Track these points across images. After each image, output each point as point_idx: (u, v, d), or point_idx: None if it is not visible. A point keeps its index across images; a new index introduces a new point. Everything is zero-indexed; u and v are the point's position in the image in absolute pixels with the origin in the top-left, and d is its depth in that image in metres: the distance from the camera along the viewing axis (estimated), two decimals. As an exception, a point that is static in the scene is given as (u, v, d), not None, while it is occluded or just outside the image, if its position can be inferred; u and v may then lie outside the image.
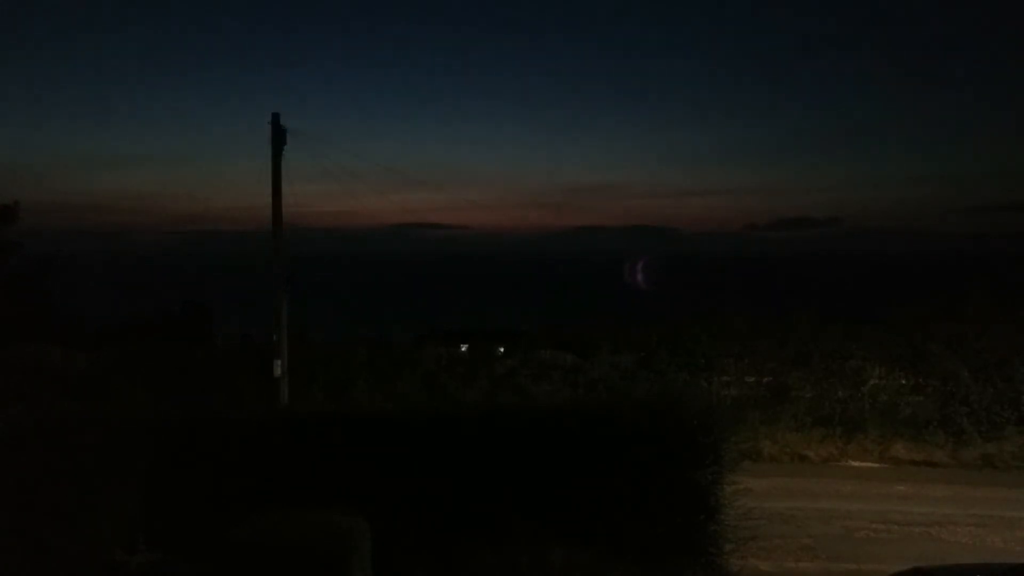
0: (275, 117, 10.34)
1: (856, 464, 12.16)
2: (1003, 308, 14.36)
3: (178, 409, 7.94)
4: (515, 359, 14.50)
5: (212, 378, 12.35)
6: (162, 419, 7.43)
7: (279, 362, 10.28)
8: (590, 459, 7.16)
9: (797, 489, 10.53)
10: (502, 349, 14.90)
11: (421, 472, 7.14)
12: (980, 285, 15.11)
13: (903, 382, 13.67)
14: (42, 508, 6.71)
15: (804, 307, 15.32)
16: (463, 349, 15.22)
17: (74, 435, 7.13)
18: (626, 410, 7.32)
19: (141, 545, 6.65)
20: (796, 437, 12.55)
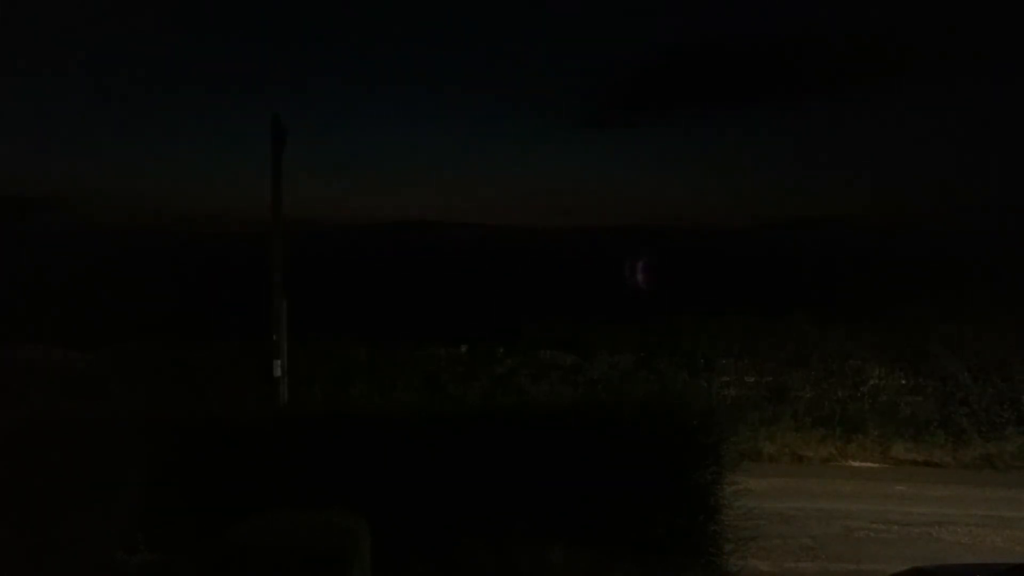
0: (275, 117, 10.31)
1: (856, 464, 12.16)
2: (1003, 308, 14.39)
3: (178, 409, 7.95)
4: (515, 359, 14.48)
5: (212, 378, 12.34)
6: (162, 419, 7.44)
7: (279, 362, 10.26)
8: (590, 459, 7.17)
9: (797, 489, 10.52)
10: (502, 349, 14.87)
11: (421, 472, 7.14)
12: (980, 285, 15.15)
13: (903, 382, 13.67)
14: (42, 508, 6.71)
15: (804, 307, 15.32)
16: (463, 349, 15.19)
17: (74, 435, 7.13)
18: (626, 410, 7.33)
19: (141, 545, 6.66)
20: (796, 437, 12.55)
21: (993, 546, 8.66)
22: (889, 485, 10.92)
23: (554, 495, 7.07)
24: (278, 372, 10.23)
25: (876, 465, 12.11)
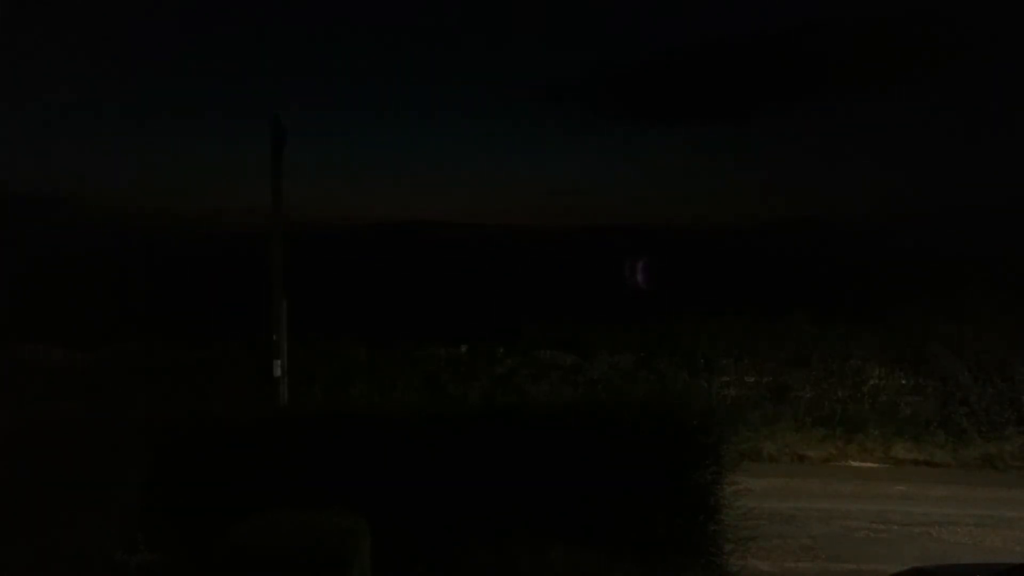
0: (275, 117, 10.30)
1: (856, 464, 12.17)
2: (1002, 308, 14.39)
3: (178, 409, 7.95)
4: (515, 359, 14.49)
5: (212, 378, 12.35)
6: (162, 419, 7.44)
7: (279, 362, 10.26)
8: (590, 459, 7.17)
9: (797, 489, 10.53)
10: (502, 349, 14.89)
11: (421, 472, 7.14)
12: (980, 285, 15.15)
13: (903, 382, 13.69)
14: (42, 508, 6.72)
15: (804, 307, 15.32)
16: (463, 349, 15.21)
17: (74, 435, 7.14)
18: (626, 410, 7.33)
19: (141, 545, 6.66)
20: (796, 437, 12.57)
21: (993, 546, 8.66)
22: (889, 485, 10.93)
23: (554, 495, 7.07)
24: (278, 372, 10.22)
25: (876, 465, 12.12)
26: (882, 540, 8.79)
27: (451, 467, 7.14)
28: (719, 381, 13.74)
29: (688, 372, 13.76)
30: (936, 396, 13.24)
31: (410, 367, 13.97)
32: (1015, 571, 5.46)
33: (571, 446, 7.18)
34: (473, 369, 14.09)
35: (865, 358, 13.86)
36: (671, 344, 14.39)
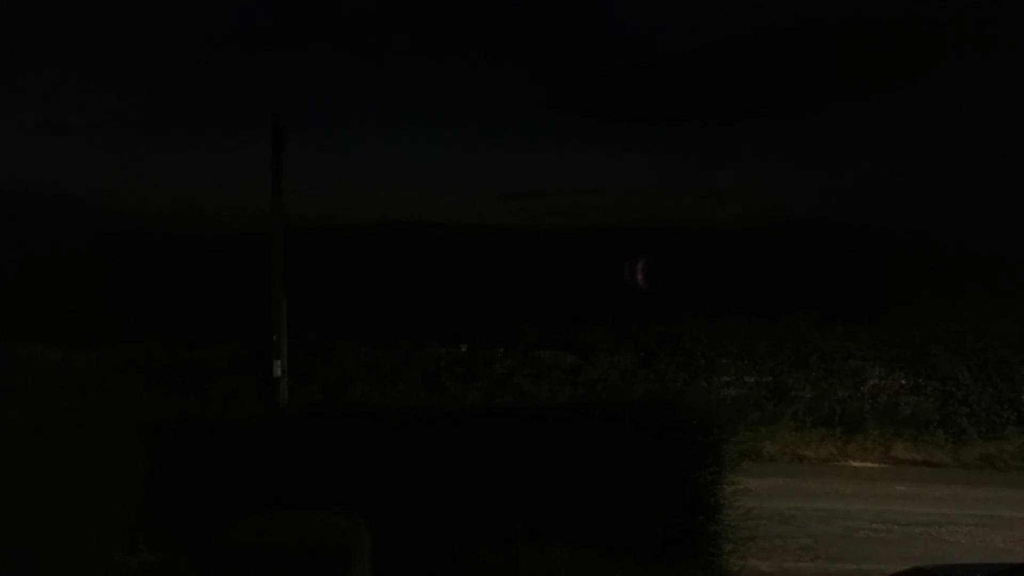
0: (275, 117, 10.31)
1: (856, 464, 12.17)
2: (1002, 308, 14.40)
3: (177, 409, 7.95)
4: (515, 359, 14.49)
5: (211, 378, 12.35)
6: (162, 419, 7.44)
7: (278, 362, 10.26)
8: (590, 459, 7.18)
9: (797, 489, 10.53)
10: (502, 349, 14.89)
11: (421, 472, 7.15)
12: (980, 285, 15.17)
13: (903, 382, 13.69)
14: (42, 508, 6.71)
15: (803, 307, 15.32)
16: (463, 349, 15.21)
17: (74, 435, 7.14)
18: (626, 410, 7.34)
19: (141, 545, 6.66)
20: (796, 437, 12.57)
21: (993, 546, 8.67)
22: (889, 485, 10.93)
23: (554, 495, 7.08)
24: (278, 372, 10.22)
25: (876, 465, 12.12)
26: (882, 540, 8.79)
27: (451, 467, 7.15)
28: (719, 381, 13.74)
29: (688, 372, 13.75)
30: (936, 396, 13.24)
31: (410, 367, 13.96)
32: (1015, 571, 5.46)
33: (571, 446, 7.19)
34: (473, 369, 14.09)
35: (865, 358, 13.86)
36: (671, 344, 14.39)
